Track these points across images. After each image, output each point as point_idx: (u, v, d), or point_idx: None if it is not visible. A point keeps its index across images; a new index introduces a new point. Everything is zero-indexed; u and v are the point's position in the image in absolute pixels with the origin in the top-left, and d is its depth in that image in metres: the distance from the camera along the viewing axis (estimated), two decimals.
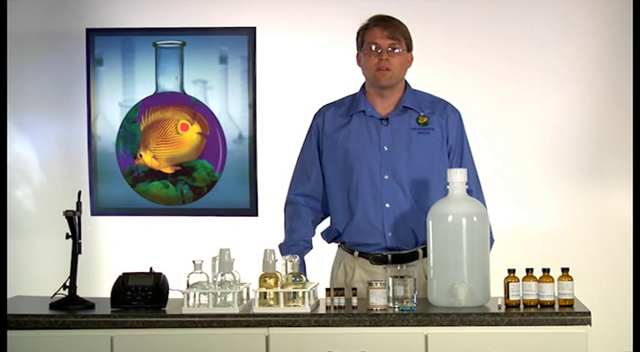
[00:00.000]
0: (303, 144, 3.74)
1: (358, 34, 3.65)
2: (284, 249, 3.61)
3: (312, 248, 3.68)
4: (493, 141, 5.14)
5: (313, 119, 3.72)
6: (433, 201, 3.45)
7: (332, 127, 3.67)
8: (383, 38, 3.57)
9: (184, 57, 5.30)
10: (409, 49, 3.62)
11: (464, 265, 3.23)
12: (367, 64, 3.60)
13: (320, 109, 3.73)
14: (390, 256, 3.60)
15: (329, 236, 3.71)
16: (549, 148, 5.19)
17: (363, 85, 3.69)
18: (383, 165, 3.59)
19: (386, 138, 3.60)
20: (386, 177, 3.59)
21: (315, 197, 3.70)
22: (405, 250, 3.60)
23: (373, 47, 3.58)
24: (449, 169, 3.35)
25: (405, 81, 3.68)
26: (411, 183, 3.58)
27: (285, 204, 3.75)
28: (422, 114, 3.62)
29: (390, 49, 3.57)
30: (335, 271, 3.71)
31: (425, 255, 3.56)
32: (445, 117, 3.63)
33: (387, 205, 3.58)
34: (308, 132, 3.73)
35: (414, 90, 3.68)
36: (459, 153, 3.65)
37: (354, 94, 3.70)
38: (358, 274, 3.63)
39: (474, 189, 3.58)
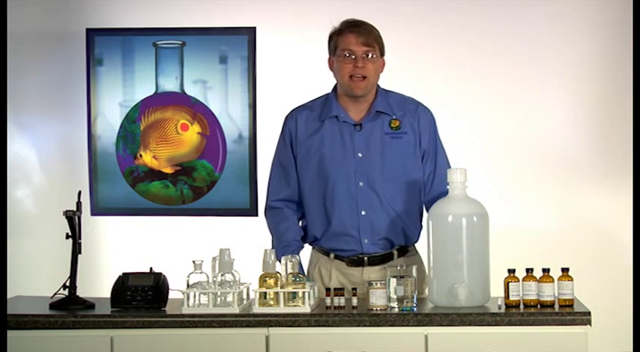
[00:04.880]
0: (277, 149, 3.70)
1: (331, 38, 3.61)
2: (278, 251, 3.53)
3: (303, 247, 3.68)
4: (493, 141, 5.14)
5: (284, 123, 3.68)
6: (409, 205, 3.48)
7: (305, 133, 3.63)
8: (358, 45, 3.54)
9: (184, 57, 5.30)
10: (382, 53, 3.59)
11: (464, 265, 3.23)
12: (341, 71, 3.56)
13: (291, 112, 3.69)
14: (366, 258, 3.60)
15: (305, 240, 3.70)
16: (549, 148, 5.18)
17: (335, 88, 3.66)
18: (357, 171, 3.58)
19: (359, 145, 3.58)
20: (361, 183, 3.57)
21: (294, 200, 3.68)
22: (380, 253, 3.60)
23: (347, 54, 3.55)
24: (449, 169, 3.35)
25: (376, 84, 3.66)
26: (386, 189, 3.57)
27: (265, 210, 3.72)
28: (394, 117, 3.60)
29: (364, 55, 3.54)
30: (310, 273, 3.69)
31: (400, 255, 3.58)
32: (417, 119, 3.61)
33: (363, 212, 3.57)
34: (281, 136, 3.69)
35: (385, 90, 3.65)
36: (433, 154, 3.63)
37: (327, 96, 3.66)
38: (335, 276, 3.63)
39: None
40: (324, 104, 3.64)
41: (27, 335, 3.21)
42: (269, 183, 3.72)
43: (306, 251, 3.75)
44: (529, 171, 5.20)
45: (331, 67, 3.63)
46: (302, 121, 3.65)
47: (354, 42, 3.54)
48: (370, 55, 3.54)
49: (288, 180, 3.67)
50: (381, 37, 3.58)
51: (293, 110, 3.70)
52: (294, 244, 3.62)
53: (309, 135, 3.62)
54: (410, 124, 3.60)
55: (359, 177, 3.57)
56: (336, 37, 3.59)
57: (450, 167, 3.60)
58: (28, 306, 3.45)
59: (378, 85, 3.64)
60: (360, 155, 3.58)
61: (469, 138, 5.05)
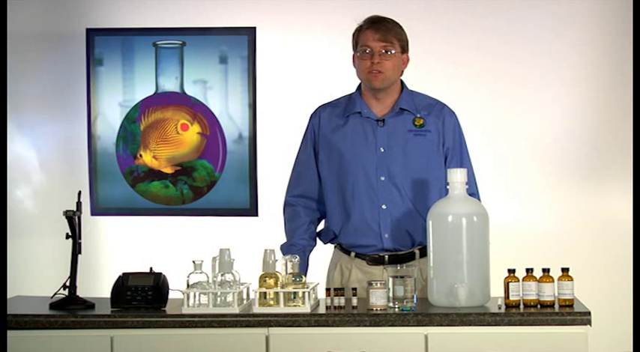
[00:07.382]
0: (300, 145, 3.74)
1: (354, 35, 3.64)
2: (284, 249, 3.62)
3: (315, 244, 3.69)
4: (493, 141, 5.14)
5: (309, 120, 3.72)
6: (429, 202, 3.46)
7: (328, 128, 3.66)
8: (375, 41, 3.56)
9: (184, 57, 5.30)
10: (404, 50, 3.61)
11: (464, 265, 3.23)
12: (360, 67, 3.59)
13: (316, 110, 3.73)
14: (387, 257, 3.60)
15: (325, 237, 3.71)
16: (549, 148, 5.19)
17: (359, 86, 3.69)
18: (379, 166, 3.59)
19: (382, 140, 3.60)
20: (382, 178, 3.59)
21: (312, 197, 3.71)
22: (402, 251, 3.60)
23: (366, 50, 3.57)
24: (449, 169, 3.35)
25: (402, 82, 3.67)
26: (407, 184, 3.58)
27: (284, 206, 3.76)
28: (418, 115, 3.62)
29: (382, 51, 3.56)
30: (331, 272, 3.71)
31: (422, 255, 3.58)
32: (442, 119, 3.63)
33: (384, 206, 3.58)
34: (304, 133, 3.73)
35: (411, 91, 3.67)
36: (458, 155, 3.64)
37: (350, 95, 3.70)
38: (355, 275, 3.63)
39: (472, 191, 3.57)
40: (348, 101, 3.68)
41: (27, 335, 3.21)
42: (288, 180, 3.76)
43: (326, 253, 3.76)
44: (529, 172, 5.20)
45: (354, 64, 3.65)
46: (325, 117, 3.68)
47: (372, 38, 3.56)
48: (388, 51, 3.55)
49: (305, 176, 3.70)
50: (402, 34, 3.60)
51: (317, 108, 3.73)
52: (300, 243, 3.65)
53: (332, 130, 3.65)
54: (434, 124, 3.61)
55: (380, 171, 3.59)
56: (357, 34, 3.62)
57: (473, 171, 3.64)
58: (28, 306, 3.45)
59: (404, 83, 3.67)
60: (382, 150, 3.59)
61: (468, 139, 5.05)
